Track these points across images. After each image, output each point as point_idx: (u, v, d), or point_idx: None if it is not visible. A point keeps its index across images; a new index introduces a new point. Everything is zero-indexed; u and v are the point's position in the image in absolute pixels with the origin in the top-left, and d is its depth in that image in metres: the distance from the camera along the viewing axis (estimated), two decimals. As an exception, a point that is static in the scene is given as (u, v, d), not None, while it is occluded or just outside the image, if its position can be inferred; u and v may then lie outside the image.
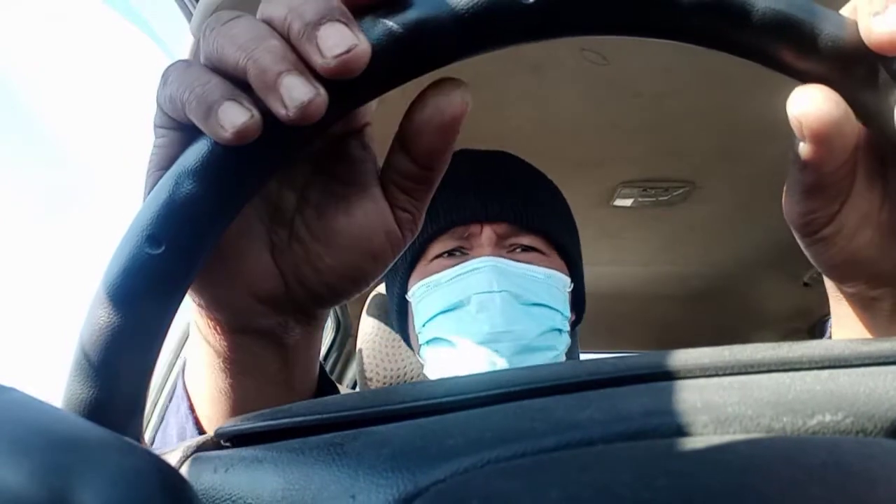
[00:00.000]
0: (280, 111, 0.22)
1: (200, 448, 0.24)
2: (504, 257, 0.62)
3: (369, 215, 0.30)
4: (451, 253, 0.64)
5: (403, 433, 0.20)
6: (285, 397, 0.33)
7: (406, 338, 0.72)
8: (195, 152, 0.24)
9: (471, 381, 0.23)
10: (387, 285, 0.72)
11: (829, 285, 0.33)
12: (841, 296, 0.33)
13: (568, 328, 0.65)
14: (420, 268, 0.65)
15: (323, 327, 0.36)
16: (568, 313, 0.65)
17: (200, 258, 0.25)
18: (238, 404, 0.34)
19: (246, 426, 0.24)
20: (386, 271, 0.33)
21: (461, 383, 0.23)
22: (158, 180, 0.25)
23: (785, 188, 0.29)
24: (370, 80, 0.24)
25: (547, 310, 0.62)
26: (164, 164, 0.26)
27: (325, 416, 0.23)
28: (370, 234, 0.30)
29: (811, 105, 0.24)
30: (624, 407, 0.18)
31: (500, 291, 0.59)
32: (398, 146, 0.29)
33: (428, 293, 0.63)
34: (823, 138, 0.25)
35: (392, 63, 0.24)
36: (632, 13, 0.24)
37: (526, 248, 0.64)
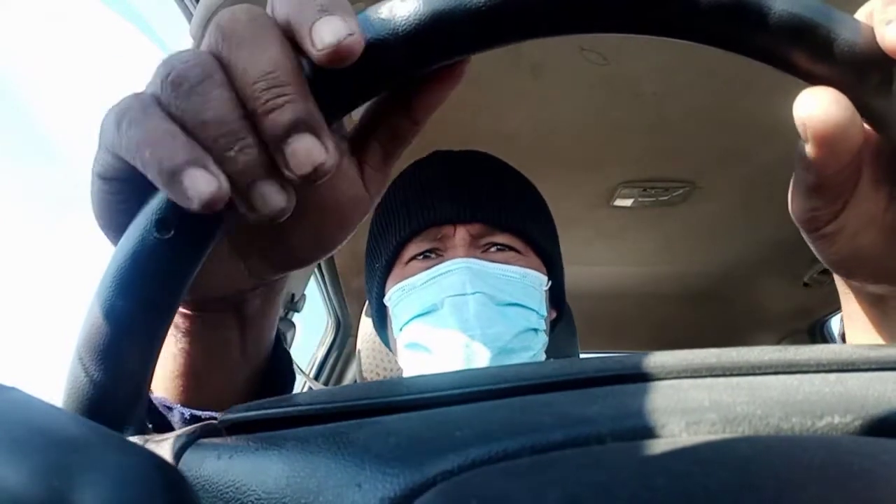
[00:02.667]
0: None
1: (204, 434, 0.24)
2: (479, 258, 0.61)
3: (339, 187, 0.30)
4: (426, 255, 0.63)
5: (410, 424, 0.20)
6: (236, 359, 0.35)
7: (387, 341, 0.70)
8: None
9: (477, 375, 0.23)
10: (367, 289, 0.71)
11: (838, 281, 0.34)
12: (849, 292, 0.33)
13: (545, 327, 0.64)
14: (396, 271, 0.64)
15: (281, 291, 0.37)
16: (545, 312, 0.64)
17: (209, 243, 0.25)
18: (186, 367, 0.35)
19: (250, 414, 0.24)
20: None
21: (467, 377, 0.23)
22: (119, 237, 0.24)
23: (791, 183, 0.29)
24: (384, 71, 0.24)
25: (522, 309, 0.61)
26: (117, 218, 0.25)
27: (329, 405, 0.23)
28: (340, 206, 0.31)
29: (817, 108, 0.24)
30: (631, 403, 0.18)
31: (474, 293, 0.58)
32: (391, 101, 0.29)
33: (404, 297, 0.62)
34: (827, 141, 0.25)
35: (404, 55, 0.24)
36: (649, 12, 0.24)
37: (501, 248, 0.63)
